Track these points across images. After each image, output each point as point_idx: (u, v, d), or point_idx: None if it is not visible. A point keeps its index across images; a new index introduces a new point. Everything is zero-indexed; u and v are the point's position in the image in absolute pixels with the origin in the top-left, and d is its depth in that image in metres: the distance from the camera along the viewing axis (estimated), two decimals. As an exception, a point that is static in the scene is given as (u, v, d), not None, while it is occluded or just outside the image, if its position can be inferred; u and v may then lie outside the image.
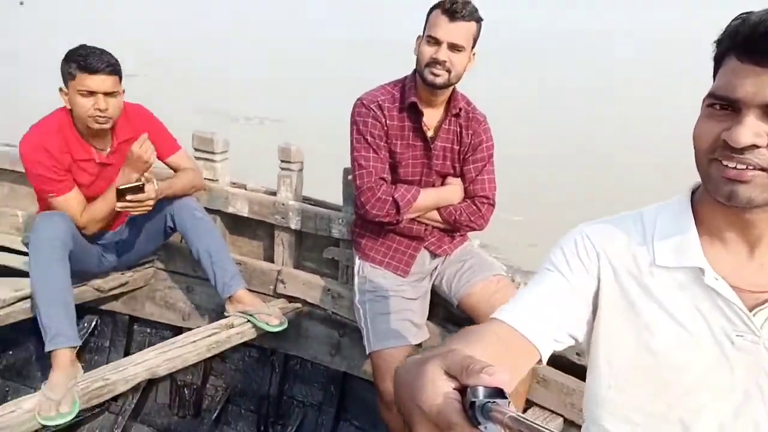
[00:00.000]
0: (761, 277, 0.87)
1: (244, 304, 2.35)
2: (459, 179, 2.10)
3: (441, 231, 2.13)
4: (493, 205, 2.10)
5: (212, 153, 2.62)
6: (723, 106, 0.81)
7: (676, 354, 0.89)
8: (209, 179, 2.64)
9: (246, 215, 2.60)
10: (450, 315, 2.23)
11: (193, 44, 13.72)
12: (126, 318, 2.77)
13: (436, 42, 1.87)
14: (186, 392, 2.65)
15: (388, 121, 2.00)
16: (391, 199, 1.98)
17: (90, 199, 2.26)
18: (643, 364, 0.90)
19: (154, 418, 2.66)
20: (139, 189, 2.13)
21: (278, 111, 8.67)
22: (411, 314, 2.05)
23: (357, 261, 2.17)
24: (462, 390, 0.56)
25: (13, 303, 2.37)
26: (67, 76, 2.11)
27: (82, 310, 2.65)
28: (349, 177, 2.12)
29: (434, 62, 1.87)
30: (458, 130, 2.07)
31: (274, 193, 2.57)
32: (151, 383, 2.62)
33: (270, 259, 2.63)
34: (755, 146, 0.78)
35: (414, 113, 2.01)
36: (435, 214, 2.08)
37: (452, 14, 1.84)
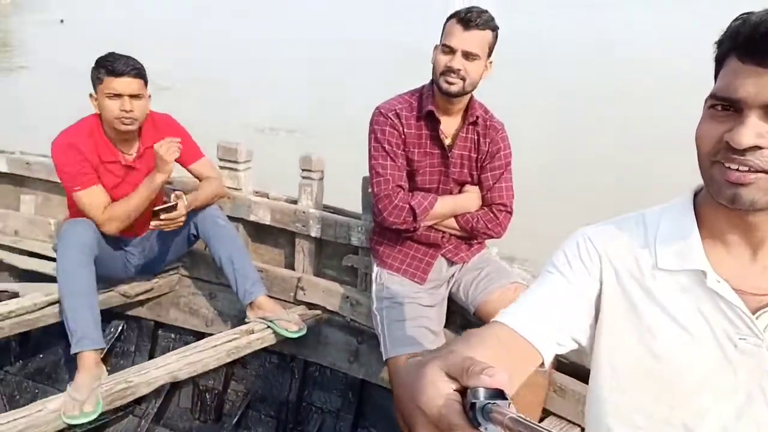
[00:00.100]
0: (764, 280, 0.86)
1: (265, 310, 2.39)
2: (476, 187, 2.11)
3: (458, 238, 2.14)
4: (510, 213, 2.10)
5: (236, 162, 2.68)
6: (725, 107, 0.81)
7: (679, 357, 0.88)
8: (233, 188, 2.70)
9: (268, 223, 2.65)
10: (467, 322, 2.23)
11: (225, 58, 14.00)
12: (151, 323, 2.83)
13: (450, 50, 1.89)
14: (208, 397, 2.69)
15: (405, 130, 2.02)
16: (408, 206, 2.00)
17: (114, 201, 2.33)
18: (646, 366, 0.90)
19: (176, 422, 2.70)
20: (173, 208, 2.27)
21: (304, 122, 8.79)
22: (428, 321, 2.06)
23: (375, 268, 2.19)
24: (462, 391, 0.56)
25: (43, 307, 2.45)
26: (96, 81, 2.22)
27: (110, 316, 2.72)
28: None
29: (449, 70, 1.89)
30: (476, 138, 2.08)
31: (295, 202, 2.62)
32: (174, 388, 2.67)
33: (291, 266, 2.67)
34: (758, 147, 0.78)
35: (431, 121, 2.03)
36: (452, 222, 2.09)
37: (467, 23, 1.86)
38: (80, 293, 2.16)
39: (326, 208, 2.59)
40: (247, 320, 2.42)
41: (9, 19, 21.68)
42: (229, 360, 2.35)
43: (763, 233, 0.85)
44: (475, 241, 2.17)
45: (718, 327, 0.87)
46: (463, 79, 1.90)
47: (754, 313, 0.85)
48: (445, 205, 2.06)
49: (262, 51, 15.61)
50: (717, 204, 0.84)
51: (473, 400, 0.54)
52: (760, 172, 0.78)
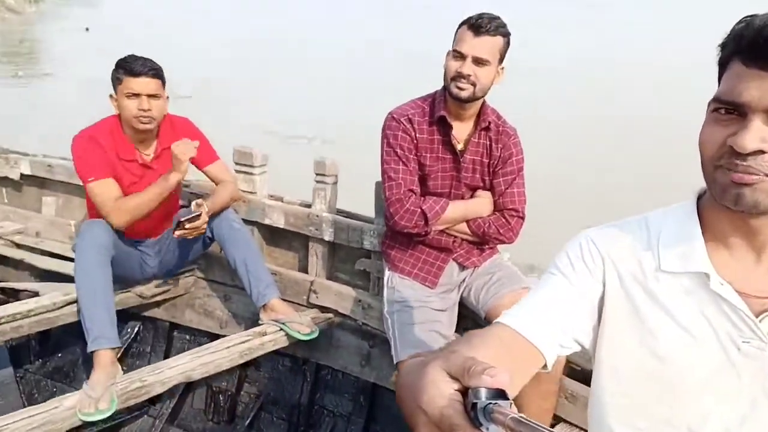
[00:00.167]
0: None
1: (277, 312, 2.41)
2: (488, 192, 2.11)
3: (470, 243, 2.14)
4: (522, 218, 2.10)
5: (251, 166, 2.72)
6: (728, 110, 0.81)
7: (681, 358, 0.88)
8: (248, 191, 2.73)
9: (282, 226, 2.68)
10: (478, 327, 2.21)
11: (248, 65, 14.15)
12: (167, 324, 2.87)
13: (461, 56, 1.91)
14: (221, 398, 2.72)
15: (417, 134, 2.04)
16: (419, 210, 2.01)
17: None
18: (648, 368, 0.90)
19: (190, 422, 2.74)
20: (197, 218, 2.33)
21: (323, 129, 8.83)
22: (439, 325, 2.06)
23: (386, 272, 2.21)
24: (464, 391, 0.57)
25: (62, 306, 2.50)
26: (116, 81, 2.28)
27: (126, 316, 2.77)
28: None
29: (459, 76, 1.91)
30: (488, 143, 2.09)
31: (309, 206, 2.64)
32: (188, 389, 2.71)
33: (304, 269, 2.69)
34: (761, 151, 0.78)
35: (443, 126, 2.04)
36: (464, 226, 2.09)
37: (477, 29, 1.87)
38: (97, 292, 2.20)
39: (339, 212, 2.61)
40: (260, 322, 2.44)
41: (34, 27, 22.13)
42: (241, 361, 2.37)
43: (766, 236, 0.85)
44: (487, 246, 2.17)
45: (721, 330, 0.87)
46: (474, 85, 1.91)
47: (757, 316, 0.85)
48: (457, 209, 2.06)
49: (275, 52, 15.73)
50: (720, 207, 0.84)
51: (475, 401, 0.54)
52: (763, 175, 0.78)
